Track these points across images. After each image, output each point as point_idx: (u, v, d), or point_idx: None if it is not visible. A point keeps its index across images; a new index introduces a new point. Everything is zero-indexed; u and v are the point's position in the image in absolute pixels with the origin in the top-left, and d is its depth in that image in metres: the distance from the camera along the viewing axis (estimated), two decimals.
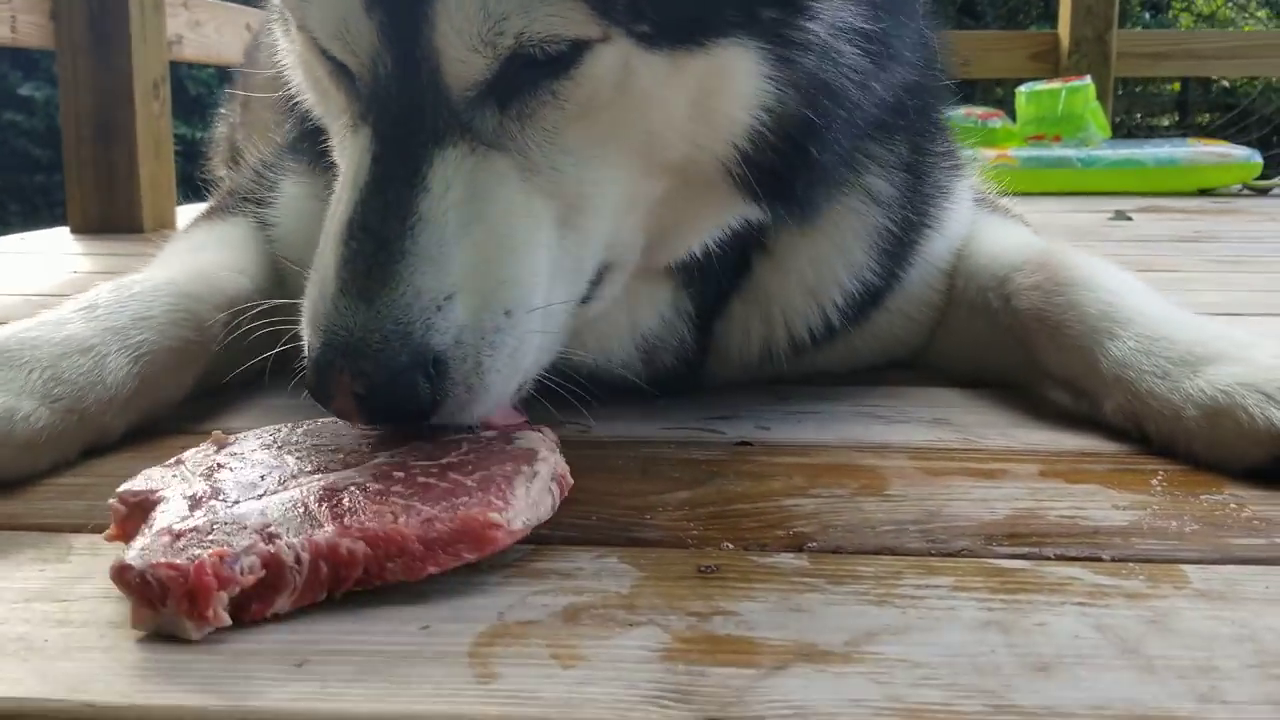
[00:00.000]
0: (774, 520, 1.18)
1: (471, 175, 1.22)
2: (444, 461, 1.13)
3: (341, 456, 1.16)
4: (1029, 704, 0.82)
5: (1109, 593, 1.00)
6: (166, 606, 0.91)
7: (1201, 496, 1.25)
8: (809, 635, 0.92)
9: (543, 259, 1.25)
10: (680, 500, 1.24)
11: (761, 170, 1.35)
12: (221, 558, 0.93)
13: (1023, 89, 6.58)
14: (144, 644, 0.92)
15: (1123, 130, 9.86)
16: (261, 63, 2.24)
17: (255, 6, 3.93)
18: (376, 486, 1.07)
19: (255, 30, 4.08)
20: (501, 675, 0.86)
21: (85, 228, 4.10)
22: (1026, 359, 1.65)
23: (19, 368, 1.33)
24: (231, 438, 1.21)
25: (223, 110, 3.60)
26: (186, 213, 3.91)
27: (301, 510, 1.01)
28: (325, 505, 1.02)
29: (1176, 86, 14.53)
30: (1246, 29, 13.09)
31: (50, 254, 3.57)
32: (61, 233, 4.12)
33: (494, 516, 1.04)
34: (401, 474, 1.09)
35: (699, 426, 1.53)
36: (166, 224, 4.12)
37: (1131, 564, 1.07)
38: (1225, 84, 14.33)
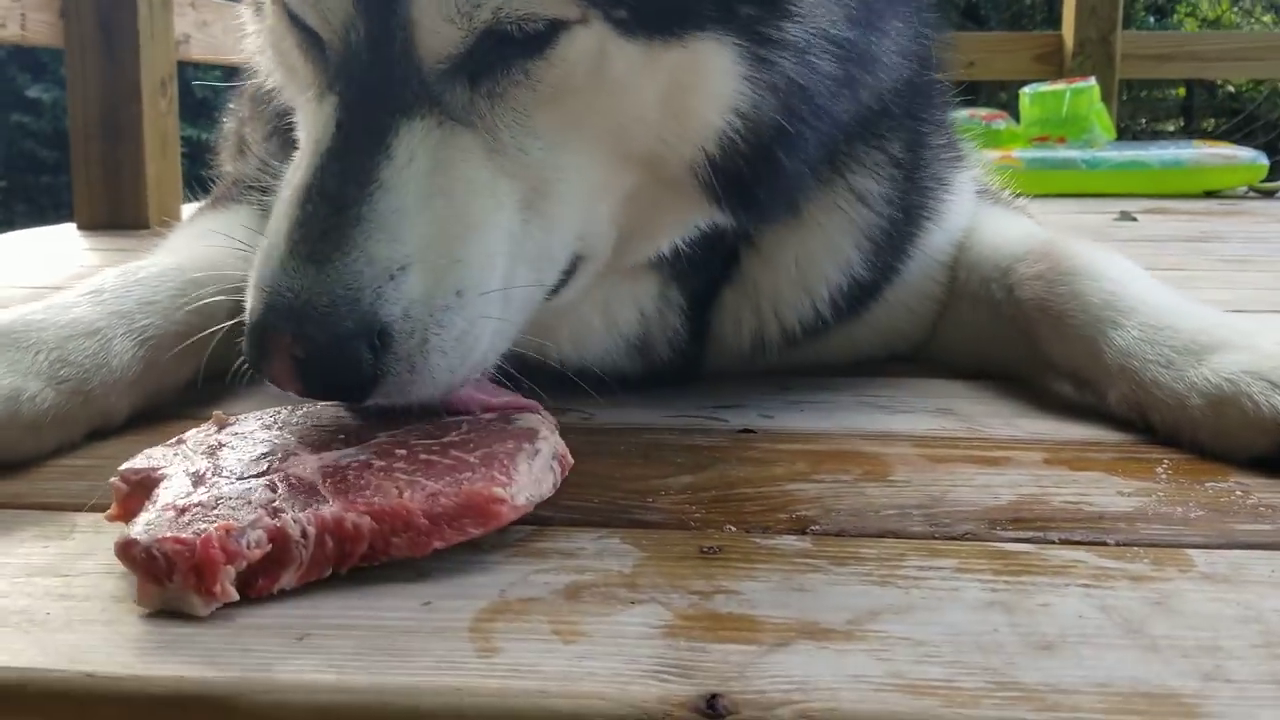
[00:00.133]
0: (777, 504, 1.18)
1: (437, 148, 1.20)
2: (446, 440, 1.13)
3: (343, 437, 1.15)
4: (1031, 681, 0.82)
5: (1113, 575, 1.00)
6: (173, 582, 0.90)
7: (1206, 484, 1.24)
8: (811, 614, 0.92)
9: (502, 240, 1.23)
10: (683, 484, 1.24)
11: (727, 175, 1.34)
12: (228, 532, 0.92)
13: (1027, 90, 6.56)
14: (146, 617, 0.92)
15: (1128, 135, 9.85)
16: None
17: None
18: (380, 463, 1.06)
19: None
20: (502, 649, 0.86)
21: (91, 225, 4.10)
22: (1030, 350, 1.64)
23: (25, 349, 1.33)
24: (233, 418, 1.20)
25: (231, 105, 3.60)
26: (191, 211, 3.91)
27: (305, 486, 1.01)
28: (329, 481, 1.02)
29: (1182, 91, 14.53)
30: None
31: (57, 249, 3.58)
32: (68, 229, 4.13)
33: (498, 491, 1.03)
34: (404, 451, 1.09)
35: (702, 415, 1.53)
36: (172, 222, 4.12)
37: (1136, 548, 1.06)
38: (1230, 89, 14.34)
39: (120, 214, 4.07)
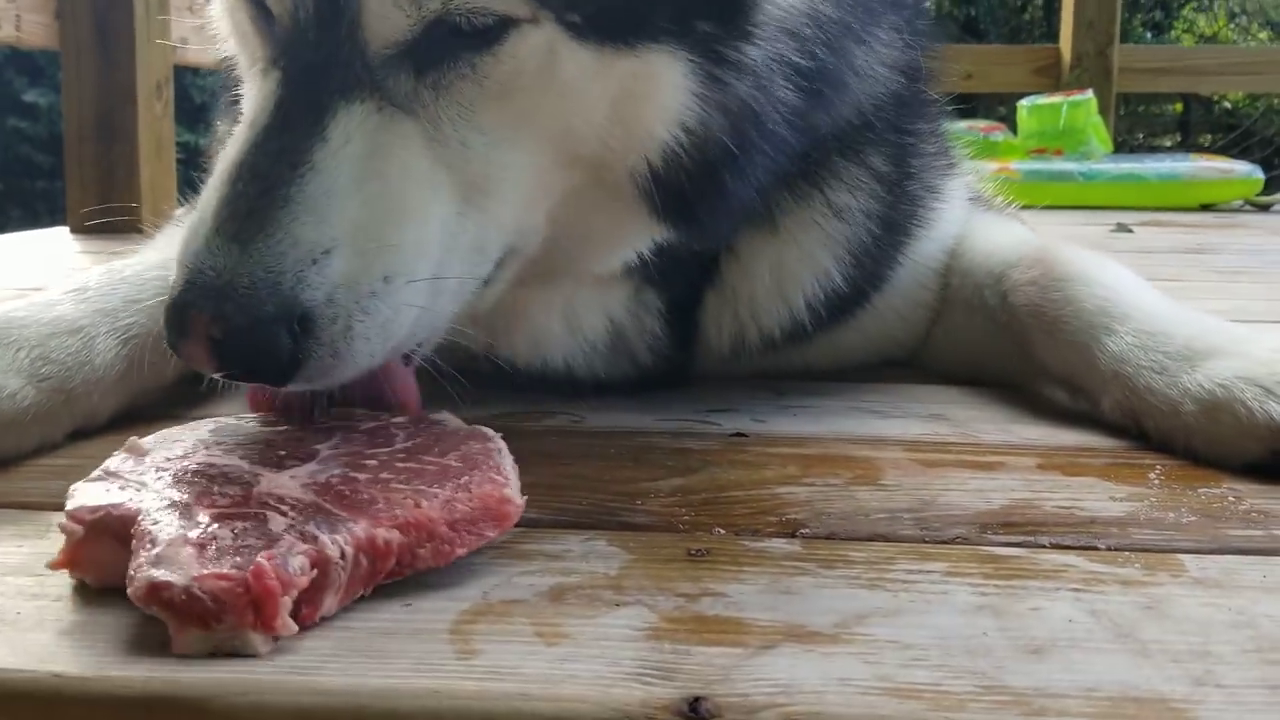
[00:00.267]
0: (767, 507, 1.17)
1: (375, 133, 1.18)
2: (405, 446, 1.10)
3: (283, 454, 1.08)
4: (1019, 685, 0.80)
5: (1104, 580, 0.99)
6: (223, 622, 0.83)
7: (1199, 490, 1.23)
8: (798, 617, 0.91)
9: (435, 230, 1.21)
10: (673, 487, 1.23)
11: (669, 190, 1.32)
12: (271, 559, 0.87)
13: (1024, 103, 6.57)
14: (118, 619, 0.89)
15: (1125, 149, 9.87)
16: None
17: None
18: (363, 475, 1.03)
19: None
20: (482, 651, 0.85)
21: (84, 228, 4.08)
22: (1023, 356, 1.63)
23: (7, 346, 1.32)
24: (145, 443, 1.10)
25: (222, 107, 3.59)
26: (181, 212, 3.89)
27: (310, 506, 0.96)
28: (330, 498, 0.98)
29: (1179, 107, 14.55)
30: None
31: (48, 252, 3.57)
32: (60, 232, 4.12)
33: (507, 493, 1.02)
34: (374, 462, 1.06)
35: (694, 418, 1.52)
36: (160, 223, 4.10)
37: (1128, 553, 1.05)
38: (1227, 105, 14.36)
39: (114, 217, 4.05)
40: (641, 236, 1.41)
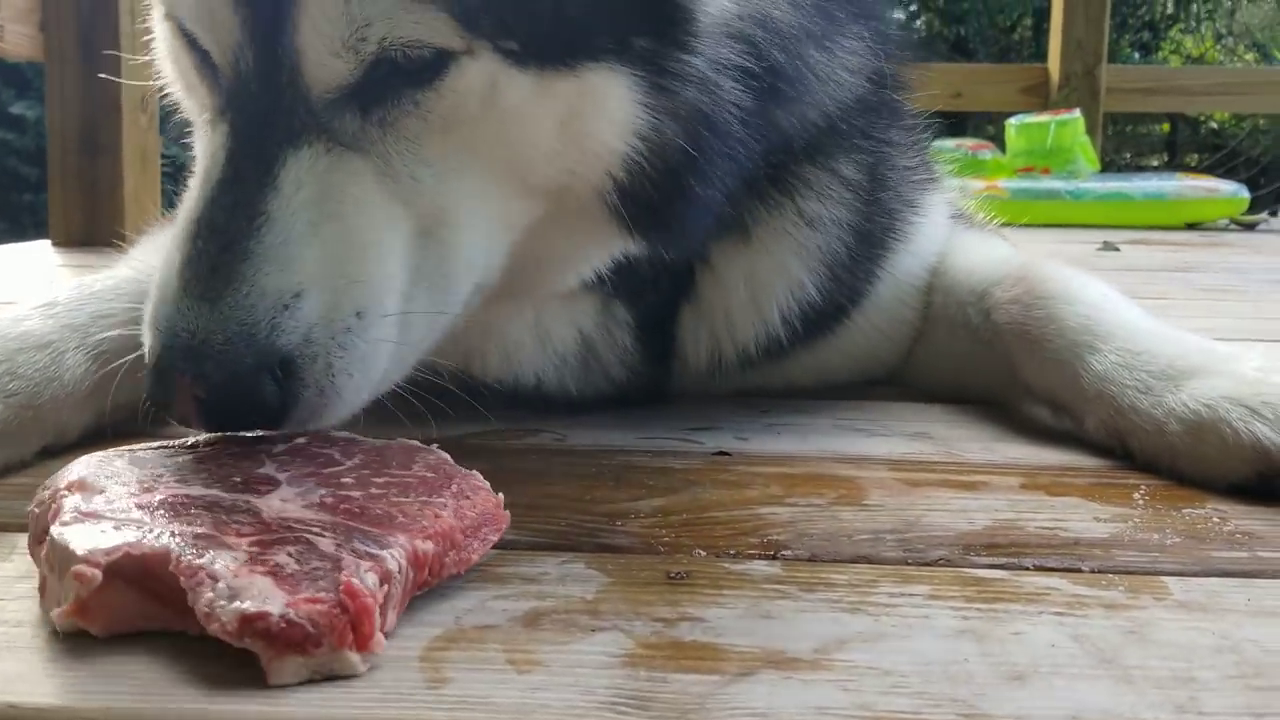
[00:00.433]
0: (748, 528, 1.16)
1: (325, 175, 1.18)
2: (359, 463, 1.08)
3: (238, 480, 1.04)
4: (1000, 713, 0.79)
5: (1087, 603, 0.98)
6: (321, 646, 0.81)
7: (1184, 510, 1.22)
8: (777, 642, 0.89)
9: (398, 264, 1.21)
10: (653, 507, 1.22)
11: (637, 202, 1.32)
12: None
13: (1013, 121, 6.60)
14: (78, 646, 0.87)
15: (1113, 169, 9.90)
16: None
17: None
18: (360, 493, 1.01)
19: None
20: (453, 680, 0.83)
21: (67, 241, 4.06)
22: (1007, 374, 1.62)
23: None
24: (93, 481, 1.01)
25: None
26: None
27: (346, 527, 0.94)
28: (354, 518, 0.96)
29: (1166, 127, 14.62)
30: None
31: (30, 266, 3.54)
32: (43, 245, 4.09)
33: (500, 496, 1.04)
34: (351, 480, 1.04)
35: (676, 437, 1.51)
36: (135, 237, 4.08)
37: (1111, 575, 1.04)
38: (1214, 125, 14.42)
39: (97, 230, 4.03)
40: (608, 253, 1.41)
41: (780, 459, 1.42)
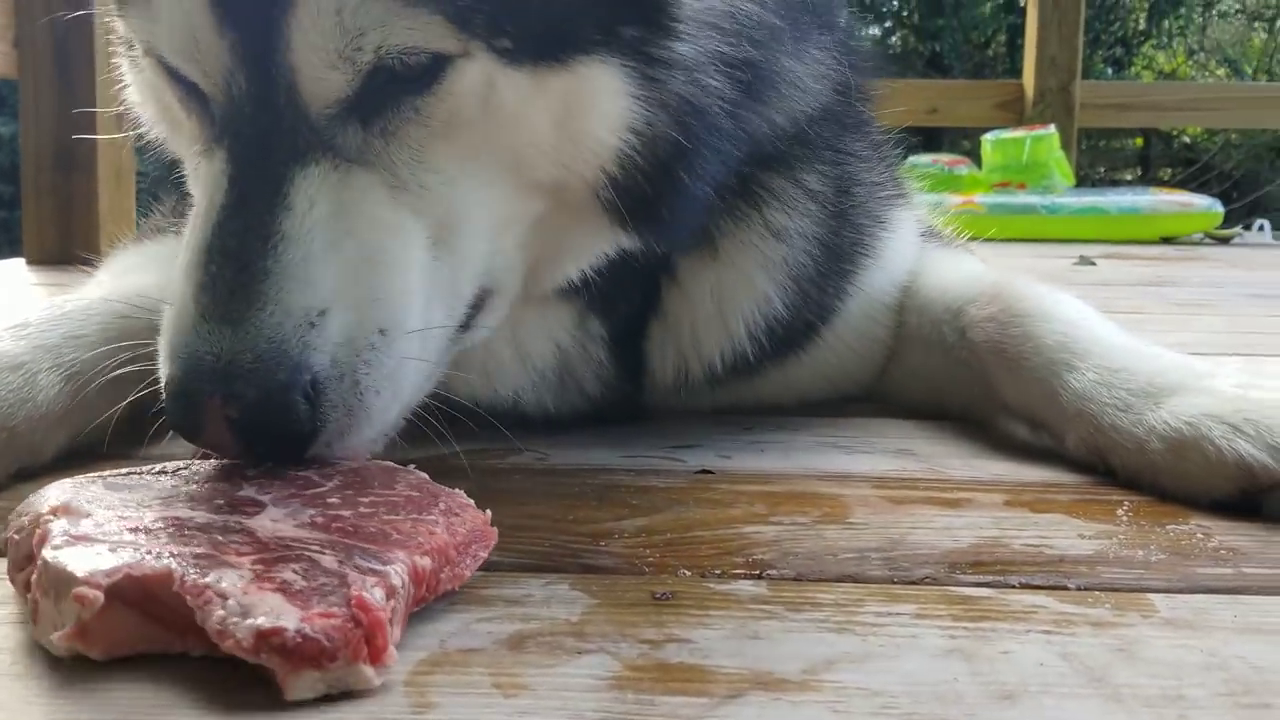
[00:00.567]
0: (733, 548, 1.15)
1: (337, 191, 1.17)
2: (341, 483, 1.08)
3: (221, 503, 1.03)
4: None
5: (1075, 621, 0.98)
6: (336, 660, 0.81)
7: (1168, 526, 1.22)
8: (765, 663, 0.89)
9: (416, 278, 1.20)
10: (637, 527, 1.21)
11: (631, 196, 1.32)
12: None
13: (988, 137, 6.64)
14: (58, 671, 0.86)
15: (1087, 183, 9.96)
16: None
17: None
18: (350, 512, 1.00)
19: None
20: (438, 705, 0.82)
21: (42, 259, 4.03)
22: (984, 392, 1.62)
23: None
24: (77, 506, 0.99)
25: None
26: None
27: (344, 545, 0.93)
28: (349, 536, 0.95)
29: (1139, 141, 14.69)
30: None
31: (3, 284, 3.52)
32: (17, 264, 4.06)
33: (486, 513, 1.04)
34: (338, 499, 1.03)
35: (659, 455, 1.50)
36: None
37: (1098, 592, 1.04)
38: (1186, 139, 14.51)
39: (72, 248, 4.00)
40: (603, 248, 1.41)
41: (763, 477, 1.41)
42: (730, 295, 1.59)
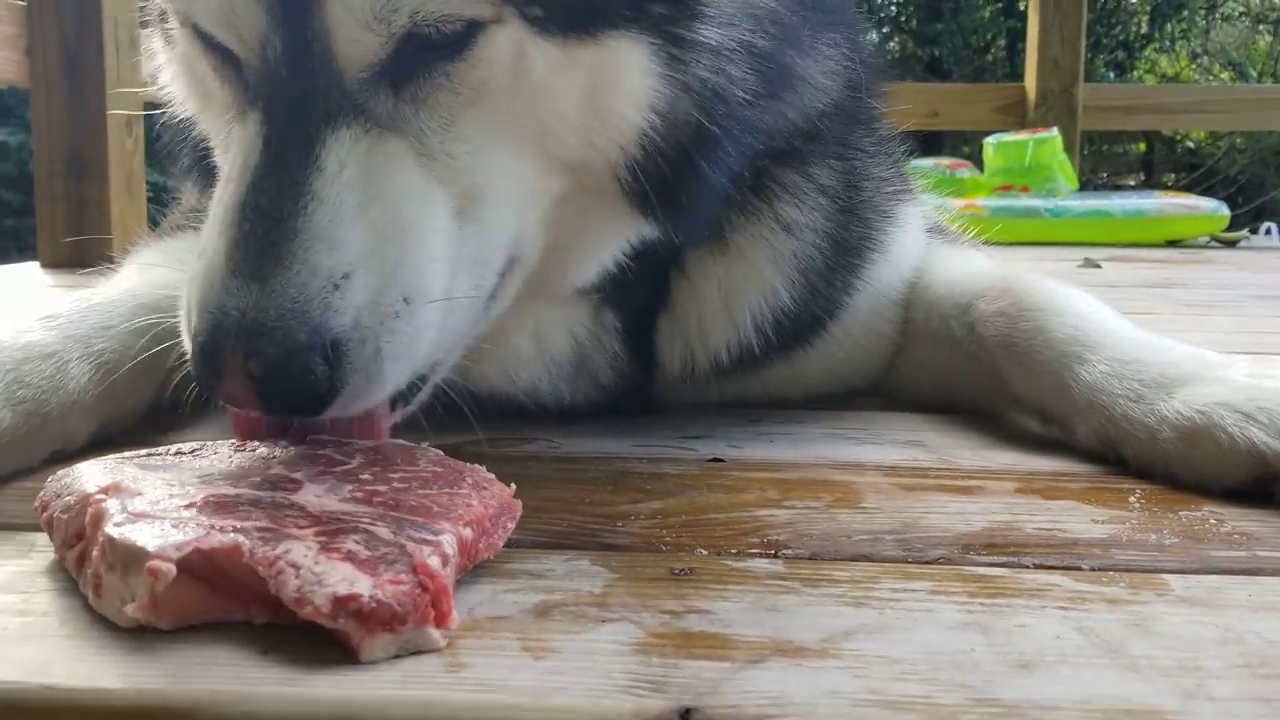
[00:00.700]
0: (748, 529, 1.17)
1: (367, 156, 1.18)
2: (366, 461, 1.11)
3: (257, 480, 1.06)
4: (1011, 698, 0.80)
5: (1090, 598, 0.99)
6: (406, 624, 0.85)
7: (1180, 513, 1.23)
8: (784, 633, 0.90)
9: (441, 246, 1.22)
10: (652, 510, 1.22)
11: (651, 179, 1.34)
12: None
13: (990, 140, 6.64)
14: (107, 633, 0.89)
15: (1090, 188, 9.97)
16: None
17: None
18: (386, 487, 1.03)
19: None
20: (471, 665, 0.84)
21: (55, 262, 4.06)
22: (994, 386, 1.63)
23: None
24: (127, 485, 1.02)
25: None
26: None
27: (393, 518, 0.96)
28: (394, 509, 0.98)
29: (1142, 146, 14.71)
30: None
31: (19, 286, 3.54)
32: (31, 267, 4.09)
33: (512, 486, 1.08)
34: (369, 476, 1.06)
35: (670, 445, 1.51)
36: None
37: (1112, 573, 1.05)
38: (1190, 144, 14.53)
39: (84, 252, 4.03)
40: (624, 236, 1.43)
41: (774, 465, 1.42)
42: (738, 289, 1.61)
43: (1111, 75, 14.51)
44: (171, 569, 0.87)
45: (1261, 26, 14.75)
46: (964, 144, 10.86)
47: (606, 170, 1.33)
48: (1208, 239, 6.01)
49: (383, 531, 0.93)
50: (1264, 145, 13.67)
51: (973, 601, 0.98)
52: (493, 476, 1.09)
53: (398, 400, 1.27)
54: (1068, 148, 6.53)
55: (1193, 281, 4.07)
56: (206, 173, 1.58)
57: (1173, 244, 5.87)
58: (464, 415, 1.31)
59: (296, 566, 0.87)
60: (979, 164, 6.83)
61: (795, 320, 1.65)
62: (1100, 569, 1.06)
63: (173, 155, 1.67)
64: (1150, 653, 0.88)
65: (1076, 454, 1.46)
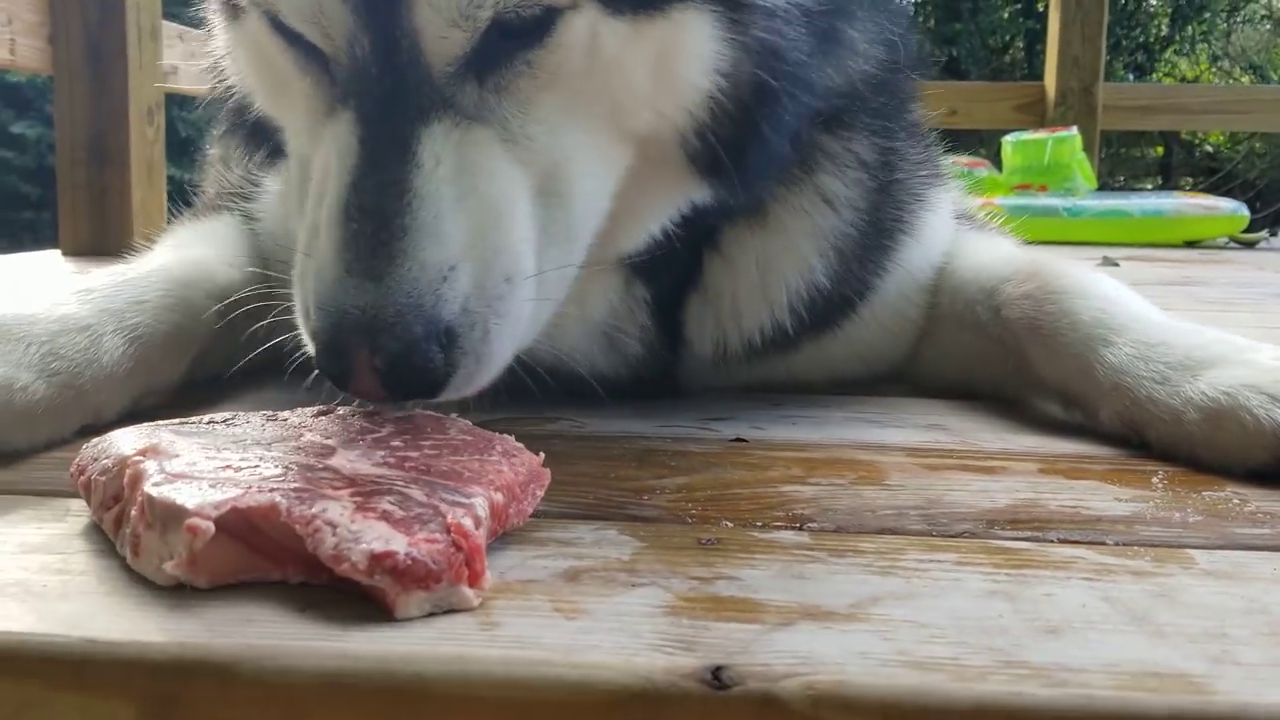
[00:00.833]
0: (773, 504, 1.17)
1: (459, 148, 1.22)
2: (397, 429, 1.13)
3: (296, 444, 1.07)
4: (1039, 660, 0.81)
5: (1115, 570, 0.99)
6: (441, 582, 0.86)
7: (1204, 493, 1.24)
8: (813, 599, 0.91)
9: (530, 225, 1.26)
10: (677, 485, 1.23)
11: (717, 138, 1.36)
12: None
13: (1009, 139, 6.61)
14: (145, 591, 0.90)
15: (1106, 191, 9.93)
16: None
17: None
18: (417, 453, 1.05)
19: None
20: (504, 624, 0.85)
21: (76, 250, 4.09)
22: (1017, 370, 1.64)
23: (16, 341, 1.32)
24: (164, 447, 1.03)
25: (215, 133, 3.60)
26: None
27: (426, 481, 0.98)
28: (426, 474, 1.00)
29: (1160, 150, 14.66)
30: None
31: (42, 273, 3.56)
32: (53, 255, 4.12)
33: (541, 455, 1.10)
34: (400, 443, 1.08)
35: (693, 426, 1.52)
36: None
37: (1137, 547, 1.06)
38: (1208, 148, 14.48)
39: (105, 240, 4.06)
40: (678, 202, 1.45)
41: (798, 445, 1.43)
42: (775, 264, 1.62)
43: (1131, 77, 14.46)
44: (210, 526, 0.88)
45: None
46: (980, 143, 10.83)
47: (672, 137, 1.36)
48: (1226, 240, 5.99)
49: (416, 494, 0.94)
50: None
51: (998, 572, 0.98)
52: (521, 445, 1.11)
53: None
54: (1087, 147, 6.51)
55: (1212, 280, 4.06)
56: (261, 146, 1.62)
57: (1191, 244, 5.85)
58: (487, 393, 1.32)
59: (333, 525, 0.88)
60: (997, 163, 6.82)
61: (828, 300, 1.66)
62: (1125, 544, 1.07)
63: (230, 131, 1.68)
64: (1177, 621, 0.89)
65: (1099, 438, 1.47)
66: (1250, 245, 5.99)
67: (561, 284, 1.34)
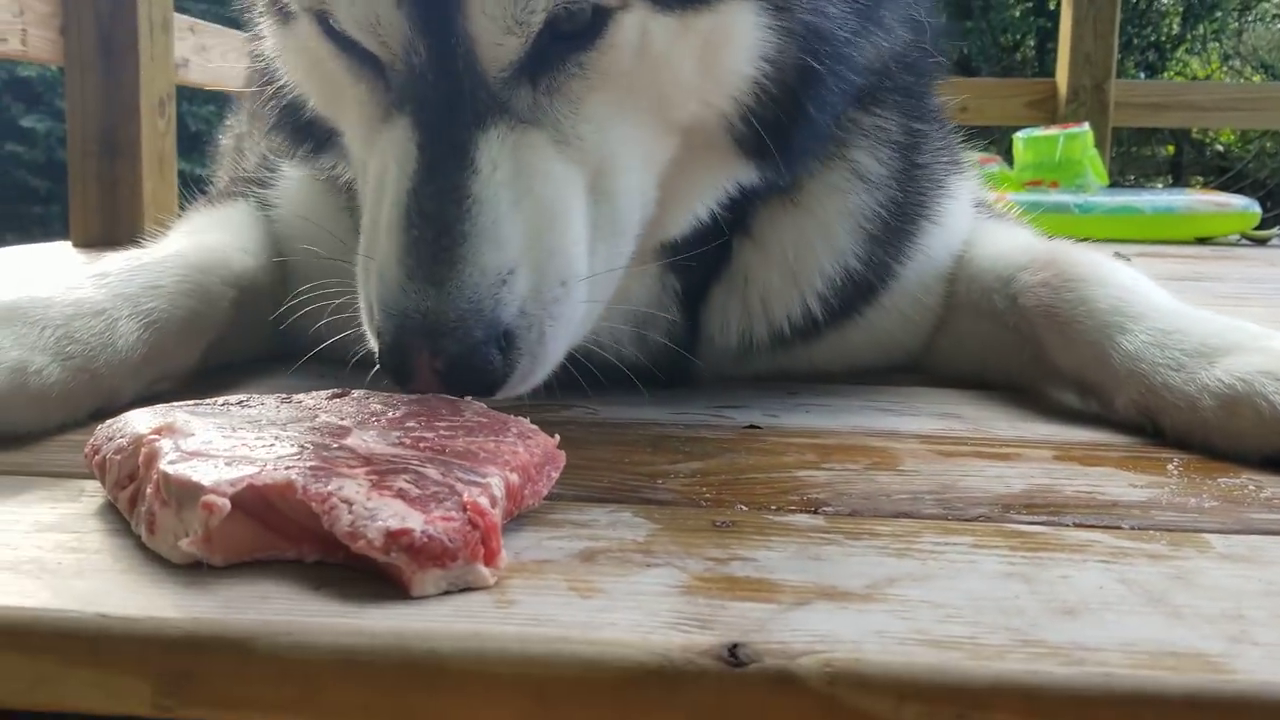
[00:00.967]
0: (787, 488, 1.17)
1: (514, 153, 1.24)
2: (410, 412, 1.12)
3: (312, 425, 1.07)
4: (1056, 640, 0.81)
5: (1131, 553, 0.99)
6: (457, 560, 0.86)
7: (1219, 480, 1.23)
8: (829, 579, 0.91)
9: (583, 226, 1.28)
10: (692, 470, 1.23)
11: (762, 122, 1.37)
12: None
13: (1020, 135, 6.59)
14: (160, 568, 0.90)
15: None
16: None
17: None
18: (433, 434, 1.05)
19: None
20: (520, 602, 0.85)
21: (87, 242, 4.09)
22: (1032, 358, 1.63)
23: (31, 324, 1.33)
24: (180, 426, 1.03)
25: (229, 122, 3.62)
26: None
27: (441, 461, 0.98)
28: (442, 454, 1.00)
29: (1171, 149, 14.61)
30: None
31: (53, 264, 3.57)
32: (64, 246, 4.12)
33: (556, 438, 1.10)
34: (415, 424, 1.08)
35: (707, 413, 1.52)
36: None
37: (1152, 531, 1.05)
38: (1219, 147, 14.43)
39: (116, 232, 4.06)
40: (722, 186, 1.47)
41: (812, 432, 1.43)
42: (808, 245, 1.62)
43: (1142, 76, 14.41)
44: (226, 503, 0.88)
45: None
46: (989, 141, 10.81)
47: (718, 124, 1.38)
48: (1238, 237, 5.97)
49: (432, 472, 0.94)
50: None
51: (1014, 555, 0.98)
52: (536, 427, 1.11)
53: None
54: (1099, 144, 6.48)
55: (1224, 275, 4.05)
56: (306, 141, 1.63)
57: (1202, 241, 5.83)
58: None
59: (349, 502, 0.88)
60: (1008, 159, 6.80)
61: (857, 285, 1.67)
62: (1141, 528, 1.06)
63: (276, 127, 1.67)
64: (1193, 602, 0.88)
65: (1113, 426, 1.46)
66: (1262, 242, 5.96)
67: (610, 284, 1.36)
